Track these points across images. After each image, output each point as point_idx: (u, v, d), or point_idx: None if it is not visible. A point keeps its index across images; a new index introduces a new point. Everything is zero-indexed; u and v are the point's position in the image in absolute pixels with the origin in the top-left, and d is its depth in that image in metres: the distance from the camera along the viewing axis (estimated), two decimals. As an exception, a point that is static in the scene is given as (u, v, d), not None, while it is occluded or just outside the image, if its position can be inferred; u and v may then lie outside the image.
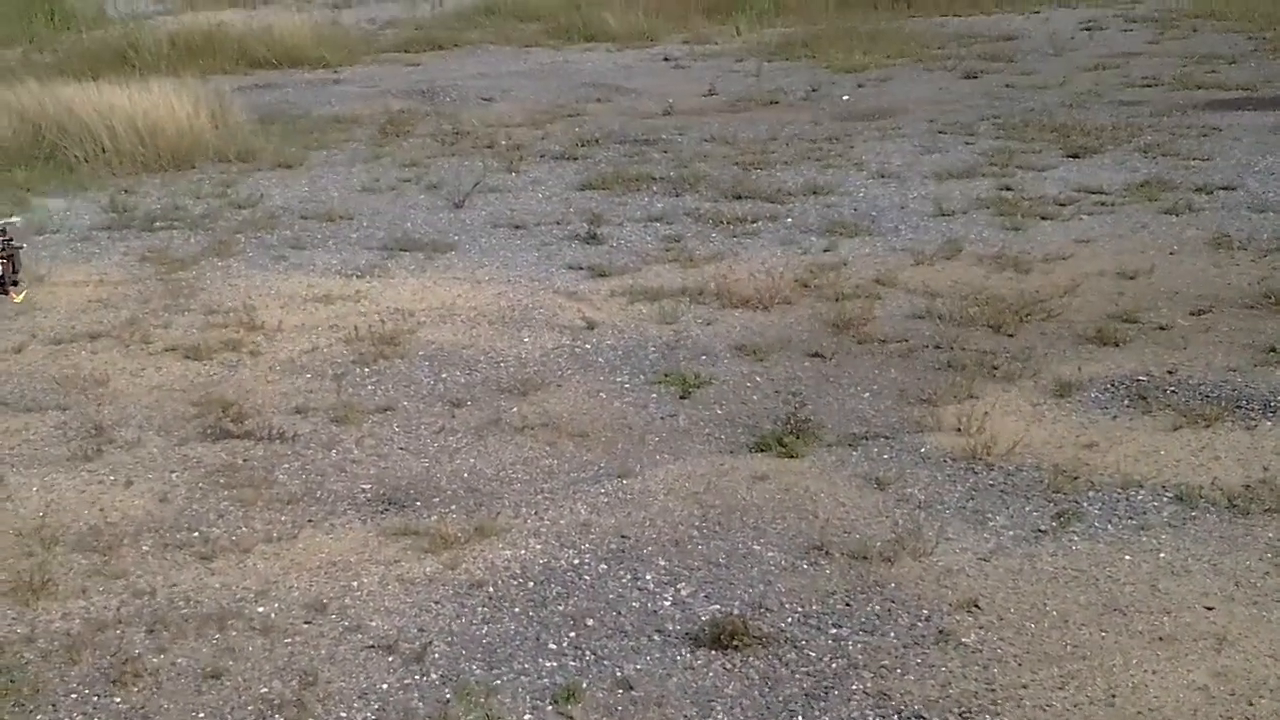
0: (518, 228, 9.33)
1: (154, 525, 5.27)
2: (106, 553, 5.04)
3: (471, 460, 5.79)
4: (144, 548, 5.10)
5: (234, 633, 4.50)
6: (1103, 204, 9.24)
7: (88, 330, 7.50)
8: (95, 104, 11.87)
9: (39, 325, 7.63)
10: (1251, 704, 3.96)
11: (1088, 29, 17.49)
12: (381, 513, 5.35)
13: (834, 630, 4.42)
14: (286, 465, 5.78)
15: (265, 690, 4.17)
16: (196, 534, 5.19)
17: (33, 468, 5.82)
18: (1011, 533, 5.02)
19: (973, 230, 8.76)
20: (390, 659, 4.32)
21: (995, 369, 6.51)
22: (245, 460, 5.84)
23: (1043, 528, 5.05)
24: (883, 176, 10.28)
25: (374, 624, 4.54)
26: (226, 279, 8.36)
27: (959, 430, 5.84)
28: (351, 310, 7.69)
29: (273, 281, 8.27)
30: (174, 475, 5.71)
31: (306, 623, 4.55)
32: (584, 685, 4.14)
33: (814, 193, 9.84)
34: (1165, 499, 5.24)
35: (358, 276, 8.32)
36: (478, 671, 4.24)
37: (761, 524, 5.13)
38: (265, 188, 10.70)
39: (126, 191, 10.65)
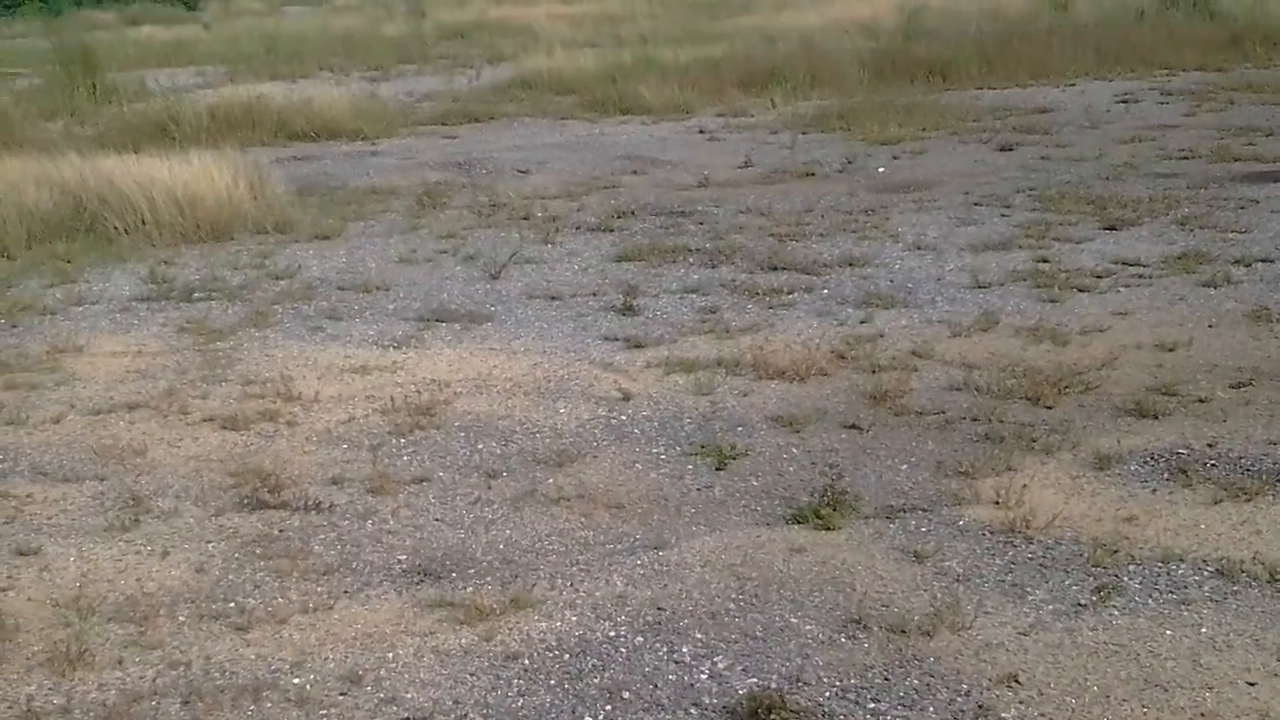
0: (554, 299, 9.35)
1: (190, 595, 5.27)
2: (143, 623, 5.04)
3: (507, 531, 5.78)
4: (180, 618, 5.10)
5: (269, 704, 4.49)
6: (1140, 276, 9.21)
7: (126, 401, 7.54)
8: (136, 176, 11.97)
9: (78, 395, 7.67)
10: (1297, 782, 3.90)
11: (1123, 101, 17.50)
12: (417, 584, 5.33)
13: (872, 705, 4.38)
14: (322, 536, 5.78)
15: (300, 762, 4.16)
16: (232, 604, 5.19)
17: (70, 537, 5.83)
18: (1051, 606, 4.98)
19: (1009, 302, 8.74)
20: (425, 732, 4.30)
21: (1033, 441, 6.47)
22: (281, 531, 5.84)
23: (1083, 601, 5.00)
24: (919, 248, 10.28)
25: (409, 696, 4.52)
26: (264, 350, 8.40)
27: (997, 503, 5.80)
28: (388, 381, 7.72)
29: (310, 352, 8.30)
30: (210, 545, 5.72)
31: (342, 694, 4.54)
32: (620, 759, 4.12)
33: (850, 264, 9.84)
34: (1206, 573, 5.19)
35: (394, 347, 8.35)
36: (513, 745, 4.22)
37: (799, 597, 5.10)
38: (303, 259, 10.76)
39: (165, 263, 10.73)
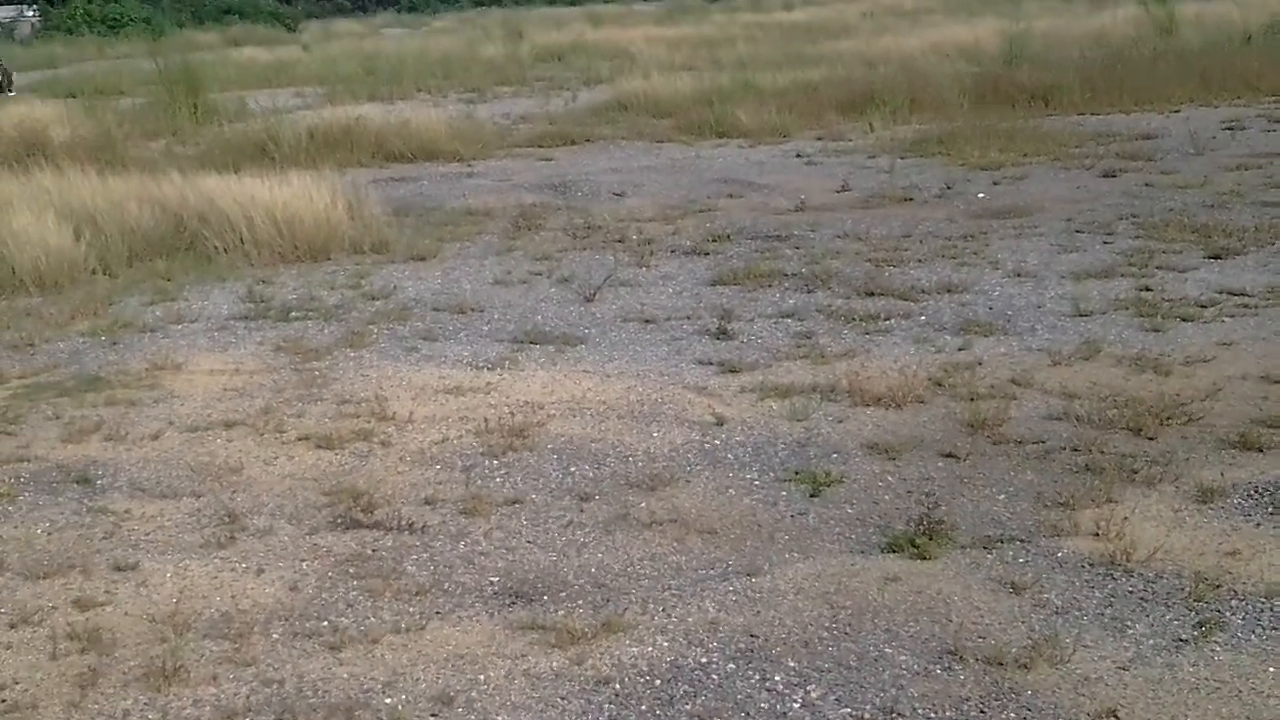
0: (648, 322, 9.34)
1: (284, 613, 5.30)
2: (237, 640, 5.07)
3: (599, 555, 5.76)
4: (274, 636, 5.12)
5: (360, 724, 4.50)
6: (1245, 306, 9.05)
7: (223, 418, 7.60)
8: (235, 195, 12.12)
9: (176, 413, 7.75)
10: None
11: (1229, 128, 17.22)
12: (509, 606, 5.32)
13: (968, 738, 4.31)
14: (415, 556, 5.79)
15: (390, 784, 4.15)
16: (325, 623, 5.20)
17: (167, 554, 5.88)
18: (1151, 641, 4.88)
19: (1111, 331, 8.61)
20: (515, 755, 4.29)
21: (1135, 473, 6.36)
22: (374, 550, 5.86)
23: (1184, 636, 4.90)
24: (1019, 275, 10.16)
25: (500, 719, 4.50)
26: (359, 370, 8.45)
27: (1097, 535, 5.70)
28: (482, 402, 7.73)
29: (404, 373, 8.33)
30: (304, 564, 5.75)
31: (433, 715, 4.54)
32: (711, 788, 4.08)
33: (948, 291, 9.75)
34: (1313, 610, 5.08)
35: (488, 369, 8.36)
36: (603, 771, 4.19)
37: (893, 626, 5.03)
38: (398, 279, 10.83)
39: (263, 282, 10.84)
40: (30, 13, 67.73)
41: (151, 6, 67.68)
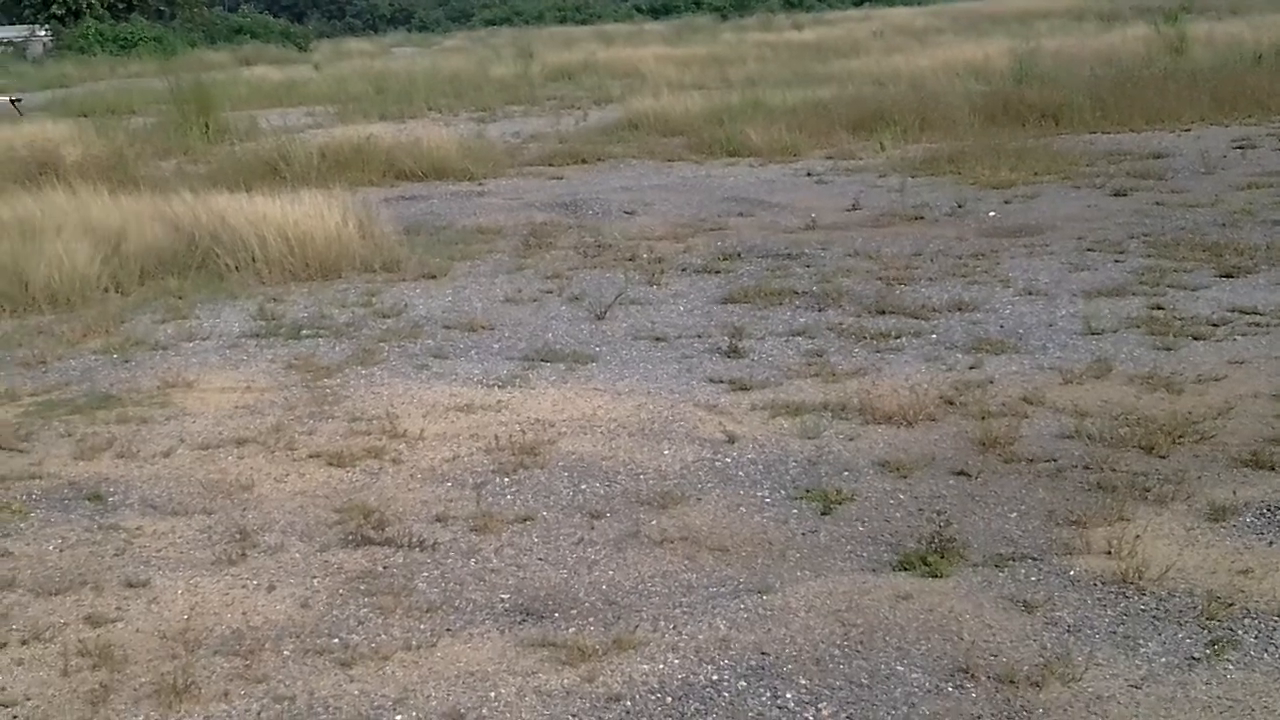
0: (659, 340, 9.34)
1: (295, 630, 5.29)
2: (248, 657, 5.06)
3: (610, 572, 5.75)
4: (285, 652, 5.12)
5: (371, 741, 4.49)
6: (1257, 325, 9.03)
7: (234, 436, 7.61)
8: (247, 214, 12.16)
9: (187, 430, 7.76)
10: None
11: (1240, 148, 17.21)
12: (520, 623, 5.32)
13: (980, 757, 4.30)
14: (426, 573, 5.78)
15: (401, 801, 4.14)
16: (336, 640, 5.20)
17: (178, 570, 5.89)
18: (1164, 659, 4.86)
19: (1123, 349, 8.60)
20: (526, 773, 4.28)
21: (1147, 491, 6.34)
22: (385, 567, 5.86)
23: (1196, 655, 4.88)
24: (1030, 294, 10.15)
25: (511, 736, 4.50)
26: (370, 387, 8.46)
27: (1109, 553, 5.68)
28: (492, 420, 7.73)
29: (415, 390, 8.34)
30: (315, 581, 5.74)
31: (443, 733, 4.53)
32: (722, 806, 4.07)
33: (959, 309, 9.74)
34: (1326, 629, 5.06)
35: (499, 386, 8.37)
36: (614, 788, 4.18)
37: (905, 644, 5.02)
38: (409, 297, 10.84)
39: (274, 300, 10.86)
40: (42, 32, 68.07)
41: (163, 26, 68.03)
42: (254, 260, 11.69)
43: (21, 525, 6.45)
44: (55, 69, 48.92)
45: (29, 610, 5.53)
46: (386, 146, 18.49)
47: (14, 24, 73.53)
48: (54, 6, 68.70)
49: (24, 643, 5.25)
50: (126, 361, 9.27)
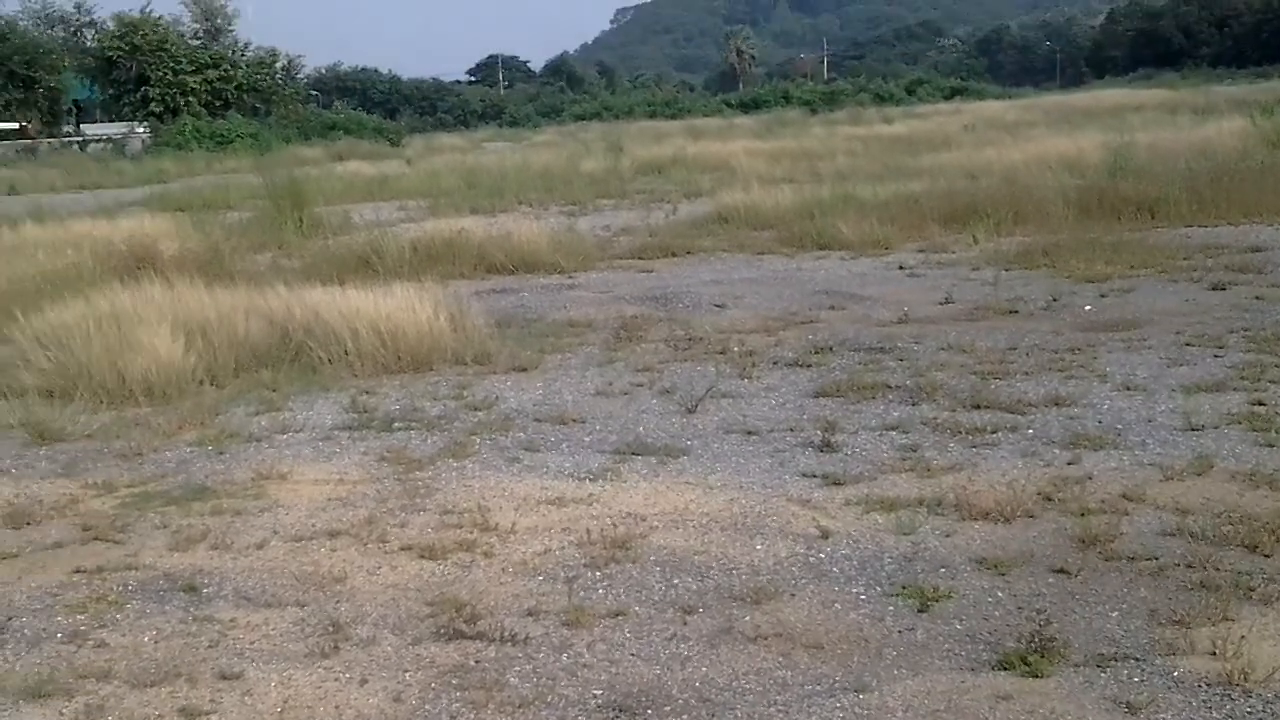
0: (750, 434, 9.28)
1: (386, 725, 5.26)
2: (339, 751, 5.03)
3: (704, 669, 5.68)
4: (376, 748, 5.08)
5: (463, 839, 4.44)
6: (1362, 421, 8.86)
7: (327, 528, 7.63)
8: (340, 307, 12.27)
9: (281, 522, 7.78)
10: None
11: (1339, 241, 17.00)
12: (612, 719, 5.25)
13: None
14: (518, 668, 5.74)
15: None
16: (428, 735, 5.16)
17: (272, 663, 5.88)
18: (1276, 766, 4.73)
19: (1224, 446, 8.44)
20: None
21: (1252, 590, 6.18)
22: (477, 661, 5.82)
23: (1310, 761, 4.75)
24: (1128, 389, 10.00)
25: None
26: (461, 480, 8.46)
27: (1214, 654, 5.54)
28: (584, 513, 7.70)
29: (506, 483, 8.33)
30: (408, 674, 5.71)
31: (536, 832, 4.47)
32: None
33: (1056, 404, 9.61)
34: None
35: (590, 480, 8.34)
36: None
37: (1006, 747, 4.91)
38: (500, 390, 10.86)
39: (367, 392, 10.92)
40: (141, 129, 69.56)
41: (259, 122, 69.27)
42: (346, 353, 11.78)
43: (118, 616, 6.48)
44: (153, 165, 49.92)
45: (124, 702, 5.54)
46: (478, 240, 18.66)
47: (114, 121, 75.29)
48: (152, 104, 70.33)
49: (117, 734, 5.25)
50: (221, 453, 9.34)
